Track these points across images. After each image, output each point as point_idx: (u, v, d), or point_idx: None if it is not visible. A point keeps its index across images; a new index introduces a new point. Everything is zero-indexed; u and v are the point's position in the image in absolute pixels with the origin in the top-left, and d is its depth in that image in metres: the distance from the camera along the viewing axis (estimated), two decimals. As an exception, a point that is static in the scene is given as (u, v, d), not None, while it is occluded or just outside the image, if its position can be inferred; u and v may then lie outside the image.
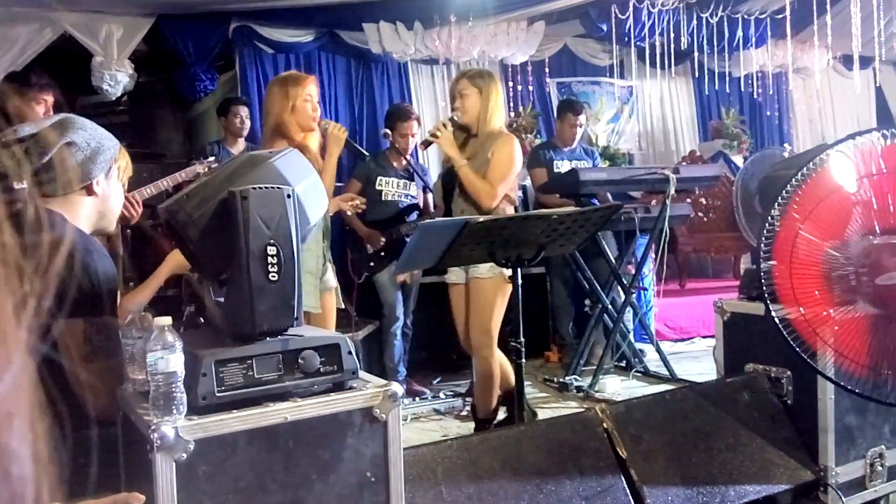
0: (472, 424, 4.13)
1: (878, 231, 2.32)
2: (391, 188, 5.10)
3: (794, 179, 2.34)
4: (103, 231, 2.17)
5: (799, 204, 2.35)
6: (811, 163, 2.36)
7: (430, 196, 5.23)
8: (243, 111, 5.58)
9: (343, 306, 3.74)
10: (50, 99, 3.75)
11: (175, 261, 2.46)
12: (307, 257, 3.37)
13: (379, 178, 5.10)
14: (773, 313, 2.42)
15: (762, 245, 2.37)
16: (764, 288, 2.40)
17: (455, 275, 3.71)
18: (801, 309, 2.41)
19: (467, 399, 4.60)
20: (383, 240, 4.92)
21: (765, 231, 2.37)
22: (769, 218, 2.37)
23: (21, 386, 0.60)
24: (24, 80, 3.78)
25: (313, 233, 3.41)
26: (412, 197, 5.17)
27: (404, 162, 5.12)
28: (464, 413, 4.53)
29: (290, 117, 3.40)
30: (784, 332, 2.42)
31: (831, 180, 2.37)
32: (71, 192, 2.01)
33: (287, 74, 3.76)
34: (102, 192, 2.07)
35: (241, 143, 5.54)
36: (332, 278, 3.59)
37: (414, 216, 5.07)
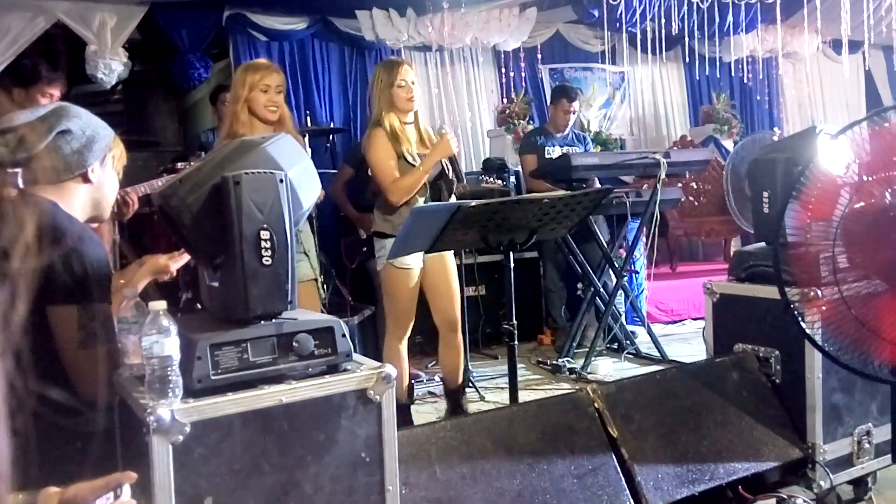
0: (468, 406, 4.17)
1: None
2: None
3: (808, 170, 2.36)
4: (98, 219, 2.19)
5: (816, 197, 2.37)
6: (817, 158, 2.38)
7: None
8: None
9: (324, 298, 3.66)
10: (56, 93, 3.75)
11: (152, 266, 2.47)
12: None
13: None
14: (789, 296, 2.45)
15: (780, 229, 2.40)
16: (779, 271, 2.42)
17: (413, 259, 3.61)
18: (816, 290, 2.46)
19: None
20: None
21: (784, 217, 2.39)
22: (787, 201, 2.39)
23: None
24: (35, 71, 3.77)
25: None
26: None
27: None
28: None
29: (242, 106, 3.37)
30: (797, 316, 2.45)
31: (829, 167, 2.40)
32: (66, 179, 2.02)
33: (252, 62, 3.70)
34: (97, 179, 2.09)
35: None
36: (308, 269, 3.52)
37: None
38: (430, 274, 3.70)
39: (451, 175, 3.63)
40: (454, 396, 3.93)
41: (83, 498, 1.35)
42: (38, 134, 1.96)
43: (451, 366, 3.89)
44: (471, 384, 4.53)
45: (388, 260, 3.51)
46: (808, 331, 2.49)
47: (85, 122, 2.05)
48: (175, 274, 2.55)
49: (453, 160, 3.64)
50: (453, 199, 3.66)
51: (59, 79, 3.77)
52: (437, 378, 4.95)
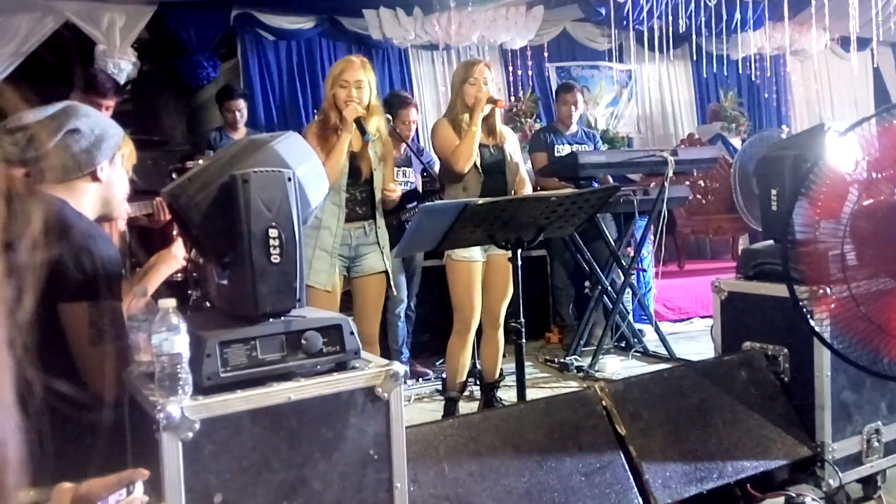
0: (474, 405, 4.17)
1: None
2: None
3: (816, 168, 2.35)
4: (108, 217, 2.20)
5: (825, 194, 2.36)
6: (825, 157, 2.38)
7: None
8: (237, 105, 5.56)
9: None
10: (111, 104, 3.78)
11: (164, 259, 2.48)
12: (324, 235, 3.41)
13: None
14: (798, 294, 2.44)
15: (789, 227, 2.39)
16: (788, 269, 2.42)
17: (472, 251, 3.69)
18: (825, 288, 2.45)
19: (468, 380, 4.63)
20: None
21: (792, 215, 2.39)
22: (797, 198, 2.38)
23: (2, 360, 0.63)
24: (93, 81, 3.80)
25: (335, 213, 3.44)
26: (410, 183, 5.17)
27: (402, 147, 5.13)
28: (466, 393, 4.57)
29: (330, 103, 3.49)
30: (805, 313, 2.45)
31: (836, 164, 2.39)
32: (75, 178, 2.03)
33: (343, 58, 3.85)
34: (107, 178, 2.09)
35: (241, 130, 5.55)
36: (378, 261, 3.58)
37: (413, 203, 5.07)
38: (490, 270, 3.76)
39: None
40: (489, 390, 4.01)
41: (96, 494, 1.36)
42: (47, 132, 1.97)
43: (490, 360, 3.98)
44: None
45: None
46: (816, 328, 2.48)
47: (94, 121, 2.06)
48: (186, 262, 2.56)
49: (490, 98, 3.79)
50: (528, 187, 3.83)
51: (116, 91, 3.80)
52: (444, 376, 4.96)
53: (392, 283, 3.69)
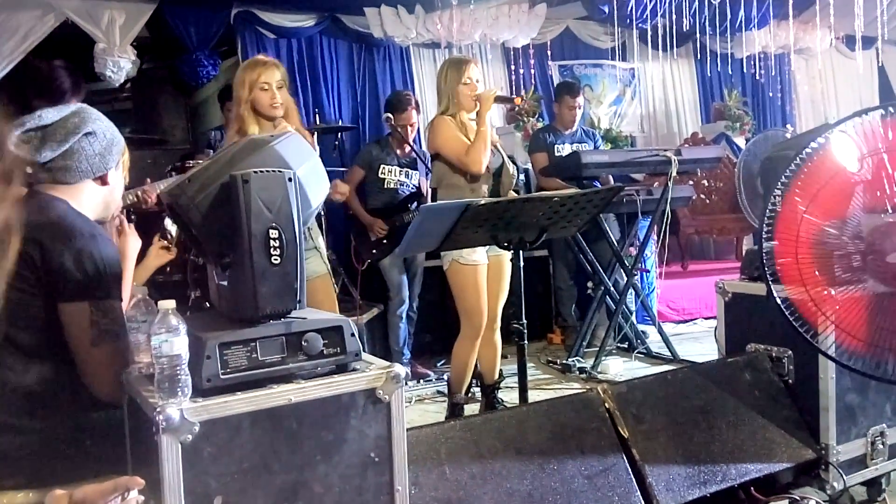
0: (475, 406, 4.15)
1: (889, 209, 2.31)
2: (393, 176, 5.09)
3: (797, 159, 2.33)
4: (102, 220, 2.20)
5: (802, 184, 2.35)
6: (814, 142, 2.35)
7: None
8: None
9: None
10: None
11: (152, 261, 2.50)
12: None
13: (381, 166, 5.09)
14: (775, 293, 2.42)
15: (764, 225, 2.38)
16: (765, 268, 2.40)
17: (478, 254, 3.65)
18: (802, 289, 2.42)
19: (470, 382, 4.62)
20: (386, 227, 4.92)
21: (767, 211, 2.38)
22: (771, 198, 2.37)
23: None
24: (47, 86, 3.79)
25: None
26: (414, 185, 5.16)
27: (407, 149, 5.12)
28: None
29: (246, 107, 3.33)
30: (786, 312, 2.42)
31: (833, 160, 2.37)
32: (86, 180, 2.04)
33: (250, 60, 3.60)
34: (113, 182, 2.11)
35: (242, 129, 5.54)
36: (320, 264, 3.50)
37: (415, 205, 5.07)
38: (488, 270, 3.72)
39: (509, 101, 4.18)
40: (490, 392, 3.96)
41: (92, 501, 1.35)
42: (64, 134, 1.97)
43: (490, 361, 3.93)
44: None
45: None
46: (797, 326, 2.45)
47: (105, 125, 2.09)
48: (174, 254, 2.57)
49: (501, 98, 3.81)
50: (512, 195, 3.72)
51: (74, 93, 3.78)
52: (445, 377, 4.95)
53: (333, 282, 3.60)
